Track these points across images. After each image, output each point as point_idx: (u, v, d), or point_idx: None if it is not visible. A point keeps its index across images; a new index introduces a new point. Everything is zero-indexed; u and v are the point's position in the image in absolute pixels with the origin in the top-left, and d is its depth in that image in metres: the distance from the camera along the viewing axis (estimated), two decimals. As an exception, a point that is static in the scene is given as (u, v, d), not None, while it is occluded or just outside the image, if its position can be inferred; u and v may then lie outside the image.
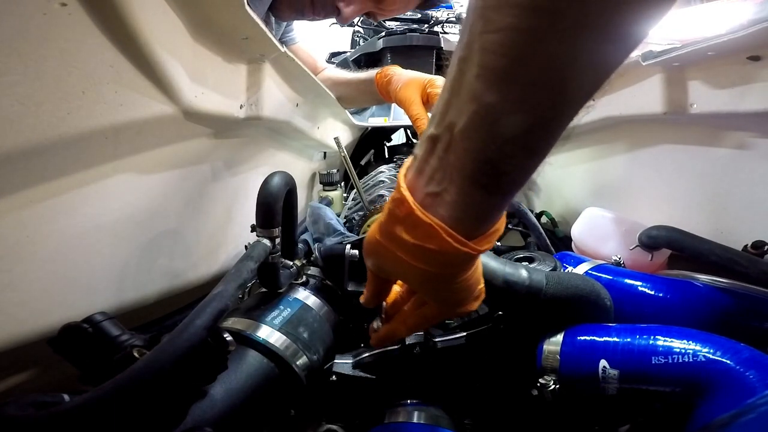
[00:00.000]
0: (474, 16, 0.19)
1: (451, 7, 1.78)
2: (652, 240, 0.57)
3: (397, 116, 1.40)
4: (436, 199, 0.24)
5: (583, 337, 0.40)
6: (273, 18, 0.87)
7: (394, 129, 1.40)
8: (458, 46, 0.21)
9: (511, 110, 0.20)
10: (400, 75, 0.65)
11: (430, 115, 0.66)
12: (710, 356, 0.34)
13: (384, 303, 0.38)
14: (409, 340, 0.46)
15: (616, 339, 0.38)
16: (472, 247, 0.25)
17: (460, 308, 0.31)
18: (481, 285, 0.32)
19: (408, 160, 0.27)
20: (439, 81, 0.66)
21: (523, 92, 0.19)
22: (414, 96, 0.62)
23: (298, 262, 0.52)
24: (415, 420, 0.42)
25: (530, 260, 0.54)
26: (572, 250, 0.72)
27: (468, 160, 0.22)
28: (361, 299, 0.37)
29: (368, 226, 0.72)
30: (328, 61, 1.73)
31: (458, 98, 0.21)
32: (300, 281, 0.52)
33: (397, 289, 0.38)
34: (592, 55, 0.18)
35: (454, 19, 1.71)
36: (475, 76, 0.20)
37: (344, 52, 1.81)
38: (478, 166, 0.22)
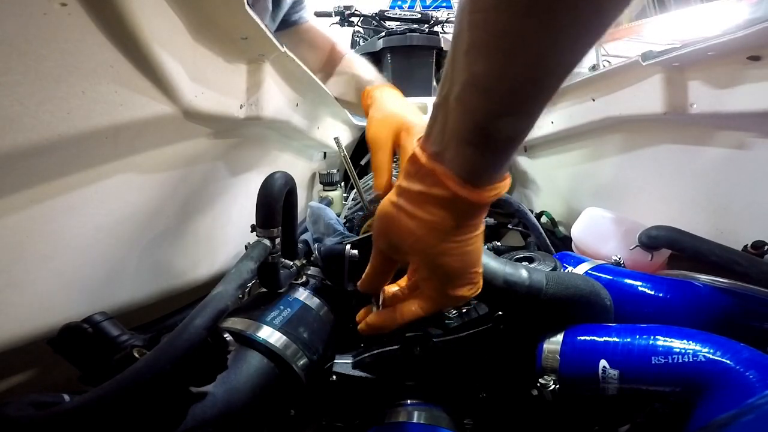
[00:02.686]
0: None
1: (451, 7, 1.78)
2: (652, 240, 0.57)
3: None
4: (438, 157, 0.27)
5: (583, 337, 0.40)
6: None
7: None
8: (455, 26, 0.25)
9: (495, 79, 0.23)
10: (381, 105, 0.57)
11: (395, 170, 0.58)
12: (710, 356, 0.34)
13: (381, 292, 0.37)
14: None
15: (616, 339, 0.38)
16: (474, 191, 0.27)
17: (453, 289, 0.31)
18: (477, 269, 0.32)
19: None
20: (418, 128, 0.53)
21: (504, 63, 0.22)
22: (385, 139, 0.54)
23: (298, 262, 0.52)
24: (415, 420, 0.42)
25: (530, 260, 0.54)
26: (572, 250, 0.72)
27: (461, 124, 0.25)
28: (359, 284, 0.36)
29: (368, 226, 0.72)
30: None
31: (455, 70, 0.25)
32: (300, 281, 0.52)
33: (395, 288, 0.38)
34: (567, 33, 0.21)
35: (454, 19, 1.71)
36: (465, 50, 0.23)
37: (344, 52, 1.80)
38: (470, 129, 0.25)
